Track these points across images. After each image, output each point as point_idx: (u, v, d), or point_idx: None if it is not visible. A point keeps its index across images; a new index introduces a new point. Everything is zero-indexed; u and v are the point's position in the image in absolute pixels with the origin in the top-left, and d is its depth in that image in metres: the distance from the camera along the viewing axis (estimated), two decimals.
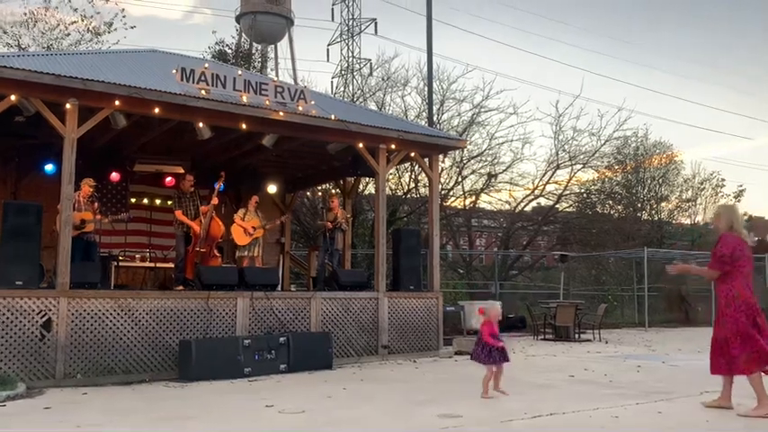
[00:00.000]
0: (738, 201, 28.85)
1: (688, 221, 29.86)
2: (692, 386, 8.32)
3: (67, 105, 9.25)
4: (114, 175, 13.11)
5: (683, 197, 29.33)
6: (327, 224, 13.13)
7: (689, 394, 7.73)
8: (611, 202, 28.12)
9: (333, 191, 17.50)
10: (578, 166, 25.49)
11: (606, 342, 15.25)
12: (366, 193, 21.60)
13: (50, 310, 8.78)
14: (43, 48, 21.88)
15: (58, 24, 22.71)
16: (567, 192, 26.02)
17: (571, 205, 26.90)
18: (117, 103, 9.54)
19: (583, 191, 26.80)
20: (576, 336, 15.97)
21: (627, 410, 6.72)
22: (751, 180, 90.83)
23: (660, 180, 28.82)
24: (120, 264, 12.55)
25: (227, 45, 27.26)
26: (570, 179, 25.74)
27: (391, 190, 22.21)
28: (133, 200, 14.14)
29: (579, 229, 26.39)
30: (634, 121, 32.76)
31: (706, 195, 29.25)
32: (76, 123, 9.32)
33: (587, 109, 78.53)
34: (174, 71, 10.30)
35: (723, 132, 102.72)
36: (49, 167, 11.89)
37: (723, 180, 29.16)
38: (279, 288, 12.39)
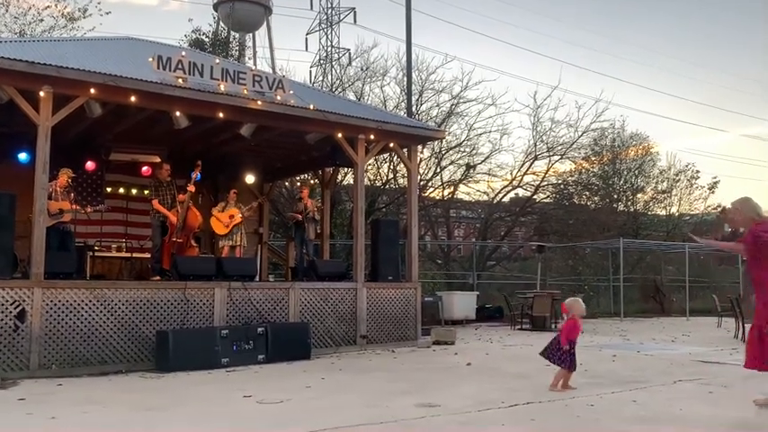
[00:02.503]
0: (713, 192, 29.25)
1: (663, 212, 30.22)
2: (667, 375, 8.46)
3: (41, 93, 9.11)
4: (90, 165, 12.94)
5: (659, 188, 29.67)
6: (296, 215, 13.16)
7: (663, 383, 7.85)
8: (587, 193, 28.37)
9: (310, 181, 17.46)
10: (556, 158, 25.71)
11: (582, 332, 15.39)
12: (345, 183, 21.57)
13: (24, 300, 8.65)
14: (15, 34, 21.51)
15: (30, 8, 22.36)
16: (545, 183, 26.23)
17: (548, 196, 27.09)
18: (92, 91, 9.42)
19: (560, 182, 27.01)
20: (553, 325, 16.10)
21: (602, 399, 6.80)
22: (725, 172, 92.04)
23: (636, 171, 29.12)
24: (96, 254, 12.42)
25: (204, 33, 27.08)
26: (548, 170, 25.94)
27: (370, 180, 22.20)
28: (109, 189, 13.98)
29: (556, 220, 26.59)
30: (611, 113, 33.07)
31: (681, 187, 29.62)
32: (51, 111, 9.18)
33: (565, 100, 78.78)
34: (151, 59, 10.17)
35: (698, 125, 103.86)
36: (22, 156, 11.69)
37: (698, 172, 29.55)
38: (257, 278, 12.35)
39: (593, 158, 27.43)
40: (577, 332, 7.42)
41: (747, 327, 13.04)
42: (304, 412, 6.30)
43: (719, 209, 29.09)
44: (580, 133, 25.65)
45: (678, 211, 29.93)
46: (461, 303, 17.94)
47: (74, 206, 10.56)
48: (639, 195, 29.50)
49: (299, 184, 21.16)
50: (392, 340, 11.96)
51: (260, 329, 9.99)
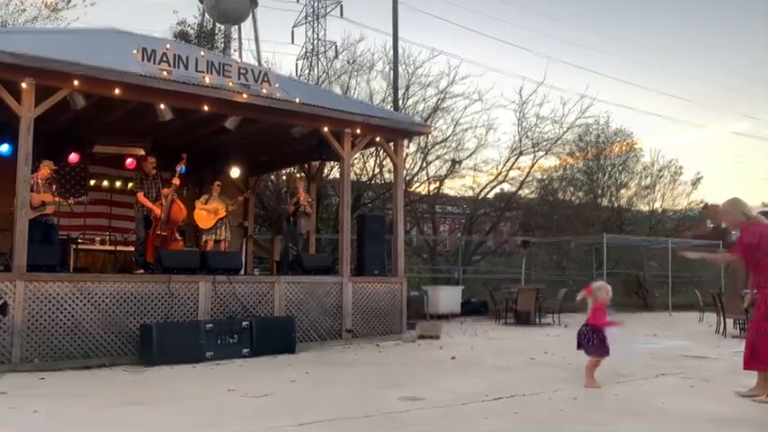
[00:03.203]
0: (695, 188, 29.47)
1: (647, 208, 30.42)
2: (649, 369, 8.55)
3: (24, 84, 9.01)
4: (73, 157, 12.82)
5: (642, 184, 29.82)
6: (289, 208, 13.14)
7: (646, 377, 7.93)
8: (572, 188, 28.48)
9: (297, 175, 17.40)
10: (541, 153, 25.72)
11: (566, 326, 15.47)
12: (331, 177, 21.51)
13: (6, 293, 8.58)
14: None
15: None
16: (530, 178, 26.26)
17: (533, 191, 27.18)
18: (76, 83, 9.32)
19: (545, 177, 27.09)
20: (537, 320, 16.21)
21: (586, 393, 6.85)
22: (706, 167, 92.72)
23: (620, 167, 29.25)
24: (80, 247, 12.34)
25: (189, 25, 26.82)
26: (533, 166, 25.97)
27: (356, 175, 22.13)
28: (93, 182, 13.88)
29: (541, 215, 26.68)
30: (596, 109, 33.26)
31: (664, 183, 29.79)
32: (33, 103, 9.08)
33: (551, 96, 78.99)
34: (135, 51, 10.08)
35: (681, 121, 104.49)
36: (4, 148, 11.57)
37: (681, 168, 29.71)
38: (242, 272, 12.31)
39: (578, 154, 27.52)
40: (604, 317, 7.25)
41: (729, 321, 13.25)
42: (288, 406, 6.30)
43: (702, 205, 29.37)
44: (565, 129, 25.73)
45: (661, 206, 30.13)
46: (447, 298, 17.98)
47: (56, 198, 10.47)
48: (623, 191, 29.65)
49: (284, 178, 21.15)
50: (377, 334, 11.97)
51: (245, 323, 9.97)
